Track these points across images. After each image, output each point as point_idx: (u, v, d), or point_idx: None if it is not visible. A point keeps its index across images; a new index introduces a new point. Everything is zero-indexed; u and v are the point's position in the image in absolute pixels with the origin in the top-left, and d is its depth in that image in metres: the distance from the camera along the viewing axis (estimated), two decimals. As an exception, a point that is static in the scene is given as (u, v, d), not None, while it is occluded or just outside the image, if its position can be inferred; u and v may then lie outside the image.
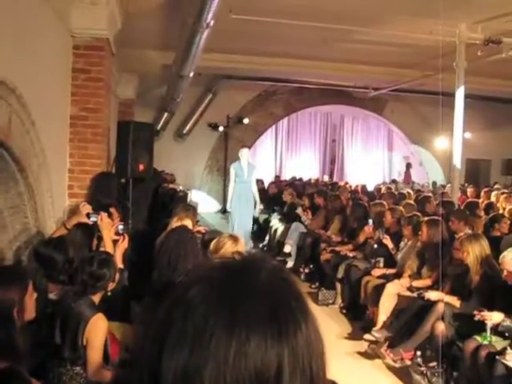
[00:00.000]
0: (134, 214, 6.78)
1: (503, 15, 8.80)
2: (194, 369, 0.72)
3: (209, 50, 10.28)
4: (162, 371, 0.73)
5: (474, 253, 5.15)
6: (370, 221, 7.76)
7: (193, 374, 0.71)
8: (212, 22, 7.48)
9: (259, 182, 16.34)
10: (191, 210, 5.64)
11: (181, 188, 12.22)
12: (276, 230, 10.80)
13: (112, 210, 5.03)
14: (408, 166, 19.27)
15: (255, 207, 10.20)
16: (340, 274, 7.46)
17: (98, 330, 3.19)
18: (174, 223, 4.98)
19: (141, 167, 7.06)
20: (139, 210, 7.22)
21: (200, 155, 17.80)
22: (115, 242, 4.42)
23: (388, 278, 6.36)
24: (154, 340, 0.77)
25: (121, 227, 4.56)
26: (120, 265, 4.24)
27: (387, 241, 6.95)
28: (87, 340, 3.14)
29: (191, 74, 10.93)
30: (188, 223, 4.82)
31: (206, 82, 16.13)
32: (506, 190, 13.11)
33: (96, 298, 3.45)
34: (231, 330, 0.72)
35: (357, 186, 14.99)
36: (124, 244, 4.41)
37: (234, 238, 4.30)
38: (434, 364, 5.08)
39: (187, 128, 17.22)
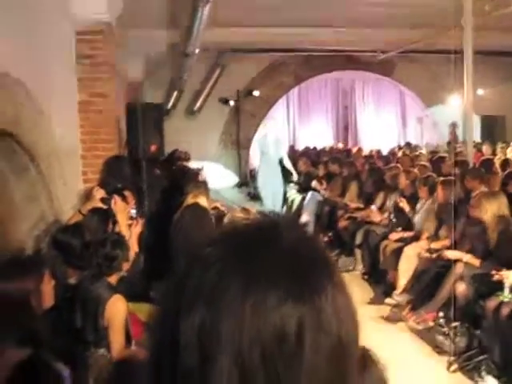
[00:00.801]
0: (149, 195, 6.81)
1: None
2: (210, 325, 0.71)
3: (214, 24, 10.22)
4: (180, 328, 0.72)
5: (491, 210, 5.12)
6: (373, 206, 7.76)
7: (209, 329, 0.71)
8: (213, -4, 7.43)
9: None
10: (203, 186, 5.64)
11: (196, 165, 12.20)
12: (293, 201, 10.80)
13: (127, 193, 5.07)
14: (453, 125, 18.64)
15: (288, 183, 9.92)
16: (358, 240, 7.50)
17: (117, 311, 3.25)
18: (190, 200, 5.01)
19: (153, 148, 7.09)
20: (154, 192, 7.24)
21: (213, 131, 17.77)
22: (129, 226, 4.47)
23: (406, 241, 6.37)
24: (172, 298, 0.77)
25: (133, 211, 4.60)
26: (136, 249, 4.29)
27: (404, 203, 6.93)
28: (108, 321, 3.20)
29: (197, 51, 10.88)
30: (202, 200, 4.85)
31: (214, 57, 16.04)
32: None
33: (112, 280, 3.51)
34: (247, 285, 0.71)
35: (371, 151, 14.88)
36: (138, 228, 4.45)
37: (247, 211, 4.34)
38: (456, 324, 5.09)
39: (198, 105, 17.16)
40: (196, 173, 7.91)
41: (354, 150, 15.17)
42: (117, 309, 3.27)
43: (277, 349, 0.69)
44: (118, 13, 7.03)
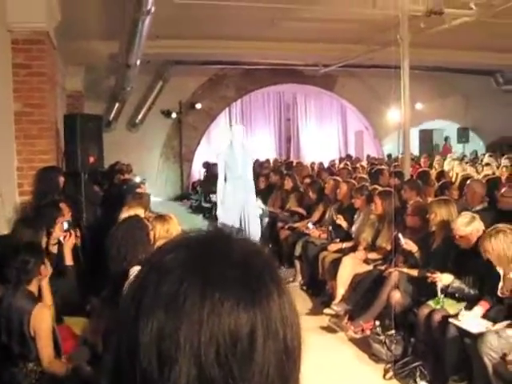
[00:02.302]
0: (87, 208, 6.71)
1: (443, -14, 8.92)
2: (169, 330, 0.74)
3: (155, 36, 10.18)
4: (139, 334, 0.75)
5: (441, 216, 5.27)
6: (310, 224, 7.87)
7: (168, 334, 0.74)
8: (153, 9, 7.41)
9: (215, 165, 16.34)
10: (142, 198, 5.62)
11: (137, 178, 12.06)
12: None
13: (62, 205, 4.98)
14: (446, 139, 18.78)
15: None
16: (298, 251, 7.56)
17: (42, 319, 3.20)
18: (124, 213, 4.96)
19: (91, 160, 6.97)
20: (92, 204, 7.14)
21: (155, 143, 17.66)
22: (64, 238, 4.38)
23: (344, 252, 6.47)
24: (131, 305, 0.79)
25: (66, 224, 4.51)
26: (69, 262, 4.22)
27: (340, 220, 7.10)
28: (34, 330, 3.14)
29: (138, 63, 10.81)
30: (139, 212, 4.80)
31: (156, 69, 15.96)
32: (454, 157, 13.43)
33: (33, 287, 3.46)
34: (204, 293, 0.74)
35: (312, 164, 15.05)
36: (71, 240, 4.38)
37: (163, 219, 4.35)
38: (392, 332, 5.19)
39: (140, 117, 17.04)
40: (136, 185, 7.83)
41: (296, 161, 15.32)
42: (42, 317, 3.22)
43: (232, 351, 0.73)
44: (56, 22, 6.94)
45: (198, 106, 17.70)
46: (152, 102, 16.92)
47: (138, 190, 6.62)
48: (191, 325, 0.73)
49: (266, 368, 0.75)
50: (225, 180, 7.46)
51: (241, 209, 7.25)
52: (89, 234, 5.88)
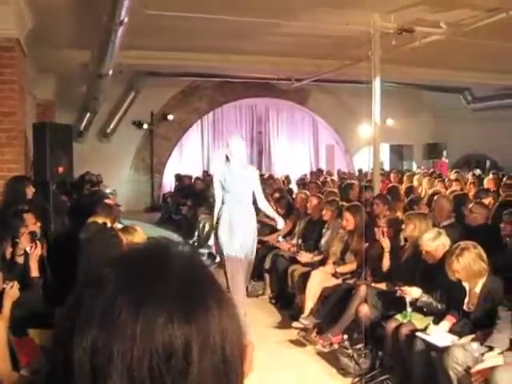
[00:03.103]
0: (55, 217, 6.62)
1: (414, 5, 9.06)
2: (102, 345, 0.73)
3: (128, 47, 10.13)
4: (73, 349, 0.74)
5: (419, 229, 5.31)
6: (280, 238, 7.89)
7: (102, 349, 0.73)
8: (126, 19, 7.38)
9: (186, 177, 16.31)
10: (110, 209, 5.58)
11: (107, 189, 11.94)
12: (204, 225, 10.77)
13: (29, 215, 4.90)
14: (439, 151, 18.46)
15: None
16: (267, 264, 7.55)
17: None
18: (96, 223, 4.92)
19: (60, 169, 6.89)
20: (60, 214, 7.04)
21: (126, 154, 17.56)
22: (30, 248, 4.31)
23: (313, 266, 6.49)
24: (66, 320, 0.78)
25: (32, 235, 4.44)
26: (35, 273, 4.15)
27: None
28: None
29: (110, 73, 10.75)
30: (107, 221, 4.77)
31: (128, 80, 15.91)
32: (424, 171, 13.59)
33: None
34: (138, 308, 0.74)
35: (282, 177, 15.09)
36: (37, 251, 4.31)
37: (128, 231, 4.32)
38: (360, 346, 5.21)
39: (111, 127, 16.95)
40: (105, 196, 7.75)
41: (266, 175, 15.38)
42: None
43: (165, 366, 0.73)
44: (26, 30, 6.88)
45: (170, 117, 17.67)
46: (123, 112, 16.85)
47: (107, 201, 6.55)
48: (124, 340, 0.73)
49: (202, 381, 0.75)
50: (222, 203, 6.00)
51: (240, 239, 5.77)
52: (56, 245, 5.80)
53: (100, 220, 4.80)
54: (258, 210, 6.26)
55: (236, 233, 5.76)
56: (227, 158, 5.98)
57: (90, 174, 14.76)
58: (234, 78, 16.13)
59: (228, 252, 5.75)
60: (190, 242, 11.19)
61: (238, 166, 5.89)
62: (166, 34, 10.47)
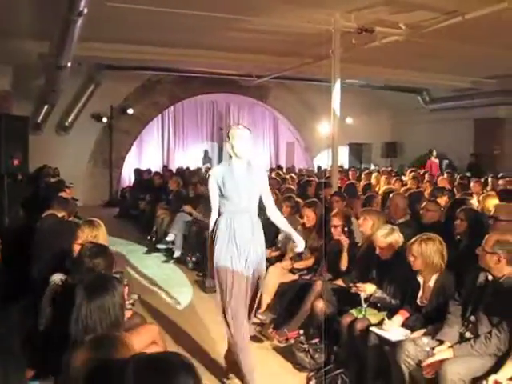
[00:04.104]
0: (9, 210, 6.51)
1: (375, 5, 9.18)
2: None
3: (87, 38, 10.01)
4: None
5: (373, 226, 5.39)
6: None
7: None
8: (85, 10, 7.29)
9: (145, 172, 16.18)
10: (67, 203, 5.51)
11: (67, 183, 11.74)
12: (163, 220, 10.72)
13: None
14: (431, 153, 17.55)
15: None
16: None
17: None
18: (51, 216, 4.85)
19: (15, 162, 6.78)
20: (16, 206, 6.93)
21: (84, 147, 17.30)
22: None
23: (271, 261, 6.52)
24: None
25: None
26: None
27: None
28: None
29: (69, 64, 10.60)
30: (63, 215, 4.71)
31: (88, 72, 15.70)
32: (383, 169, 13.77)
33: None
34: None
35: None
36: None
37: (93, 224, 4.29)
38: (316, 341, 5.26)
39: (70, 120, 16.70)
40: (61, 189, 7.64)
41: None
42: None
43: None
44: (-19, 19, 6.73)
45: (130, 111, 17.51)
46: (83, 105, 16.63)
47: (64, 195, 6.46)
48: None
49: None
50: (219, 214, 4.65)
51: (244, 263, 4.52)
52: (10, 238, 5.69)
53: (56, 213, 4.73)
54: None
55: (239, 255, 4.50)
56: (229, 157, 4.65)
57: (47, 167, 14.53)
58: (195, 73, 16.08)
59: (229, 281, 4.49)
60: (148, 237, 11.14)
61: (243, 166, 4.58)
62: (127, 26, 10.37)
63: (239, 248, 4.52)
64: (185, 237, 9.61)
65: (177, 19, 9.63)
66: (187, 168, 17.21)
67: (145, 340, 3.88)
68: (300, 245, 4.88)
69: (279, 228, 5.09)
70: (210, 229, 4.69)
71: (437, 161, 16.93)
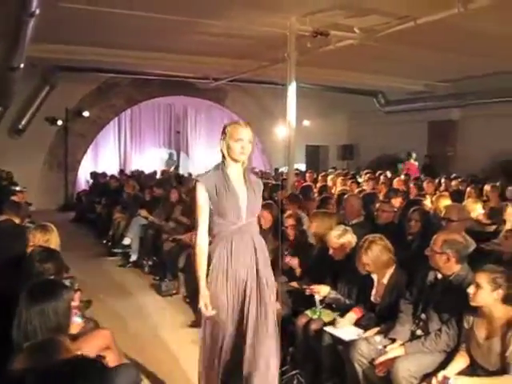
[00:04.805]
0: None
1: (330, 9, 9.28)
2: None
3: (41, 39, 9.85)
4: None
5: (324, 227, 5.43)
6: (194, 237, 7.87)
7: None
8: (37, 11, 7.16)
9: (101, 176, 15.99)
10: (19, 206, 5.41)
11: (18, 187, 11.52)
12: (119, 224, 10.62)
13: None
14: (409, 155, 16.92)
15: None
16: (181, 263, 7.53)
17: None
18: (3, 221, 4.77)
19: (-35, 165, 6.62)
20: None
21: (38, 151, 16.97)
22: None
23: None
24: None
25: None
26: None
27: None
28: None
29: (22, 66, 10.40)
30: (15, 219, 4.63)
31: (42, 74, 15.43)
32: (340, 173, 13.93)
33: None
34: None
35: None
36: None
37: (45, 228, 4.24)
38: (271, 342, 5.28)
39: (23, 123, 16.37)
40: (13, 193, 7.50)
41: (186, 174, 15.35)
42: None
43: None
44: None
45: (86, 114, 17.28)
46: (37, 108, 16.33)
47: (16, 199, 6.34)
48: None
49: None
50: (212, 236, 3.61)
51: (240, 289, 3.57)
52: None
53: (11, 218, 4.65)
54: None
55: (241, 293, 3.56)
56: (224, 162, 3.66)
57: (0, 170, 14.25)
58: (151, 75, 15.97)
59: (227, 331, 3.56)
60: (104, 241, 11.02)
61: (240, 171, 3.66)
62: (82, 28, 10.24)
63: (239, 283, 3.54)
64: (141, 240, 9.53)
65: (133, 21, 9.56)
66: (142, 171, 17.03)
67: (97, 345, 3.84)
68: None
69: None
70: (199, 251, 3.55)
71: (416, 163, 16.59)
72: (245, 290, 3.55)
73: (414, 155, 16.52)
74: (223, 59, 13.34)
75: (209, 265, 3.55)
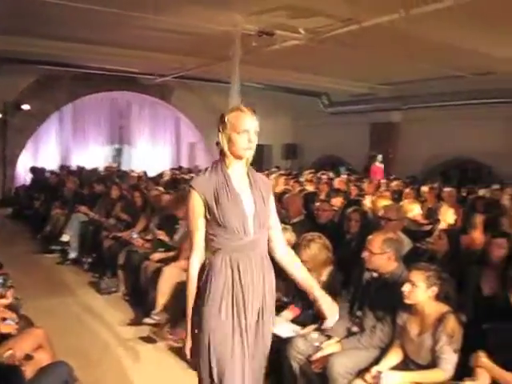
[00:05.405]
0: None
1: (276, 9, 9.33)
2: None
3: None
4: None
5: None
6: (134, 233, 7.82)
7: None
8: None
9: (41, 170, 15.60)
10: None
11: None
12: (58, 220, 10.39)
13: None
14: (374, 158, 16.35)
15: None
16: (121, 260, 7.43)
17: None
18: None
19: None
20: None
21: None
22: None
23: (166, 262, 6.48)
24: None
25: None
26: None
27: (162, 236, 7.15)
28: None
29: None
30: None
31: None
32: (283, 172, 14.03)
33: None
34: None
35: (140, 173, 14.92)
36: None
37: None
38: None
39: (-42, 117, 15.81)
40: None
41: (128, 170, 15.14)
42: None
43: None
44: None
45: (26, 107, 16.79)
46: (-27, 101, 15.79)
47: None
48: None
49: None
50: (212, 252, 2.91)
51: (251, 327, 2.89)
52: None
53: None
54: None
55: (248, 322, 2.84)
56: (222, 154, 2.96)
57: None
58: (95, 69, 15.66)
59: (227, 360, 2.79)
60: (39, 236, 10.77)
61: (243, 172, 2.97)
62: (22, 18, 9.97)
63: (248, 309, 2.83)
64: (81, 237, 9.34)
65: (76, 13, 9.36)
66: (83, 167, 16.67)
67: (30, 344, 3.77)
68: (329, 320, 3.04)
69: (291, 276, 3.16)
70: (192, 277, 2.89)
71: (382, 166, 15.97)
72: (254, 320, 2.87)
73: (379, 157, 16.11)
74: (168, 55, 13.24)
75: (205, 290, 2.82)
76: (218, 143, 2.95)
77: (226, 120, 2.90)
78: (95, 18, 9.65)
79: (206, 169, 2.97)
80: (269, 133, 19.94)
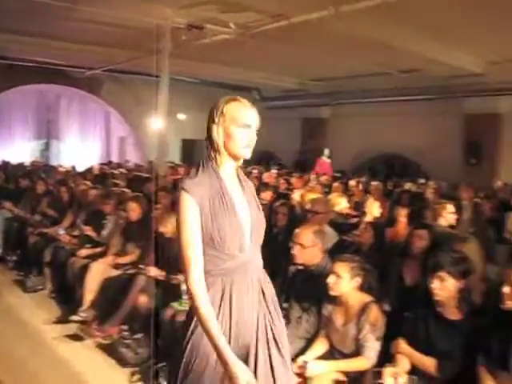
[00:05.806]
0: None
1: (206, 3, 9.31)
2: None
3: None
4: None
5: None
6: (60, 230, 7.67)
7: None
8: None
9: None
10: None
11: None
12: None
13: None
14: (323, 152, 15.51)
15: None
16: (47, 257, 7.25)
17: None
18: None
19: None
20: None
21: None
22: None
23: (94, 258, 6.38)
24: None
25: None
26: None
27: (89, 231, 7.05)
28: None
29: None
30: None
31: None
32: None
33: None
34: None
35: (69, 168, 14.58)
36: None
37: None
38: (140, 335, 5.25)
39: None
40: None
41: (55, 165, 14.77)
42: None
43: None
44: None
45: None
46: None
47: None
48: None
49: None
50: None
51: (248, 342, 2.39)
52: None
53: None
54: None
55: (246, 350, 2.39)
56: (214, 151, 2.57)
57: None
58: (20, 61, 15.15)
59: None
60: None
61: (234, 174, 2.58)
62: None
63: (245, 337, 2.38)
64: (5, 234, 9.04)
65: (3, 2, 9.04)
66: (8, 162, 16.09)
67: None
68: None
69: None
70: (205, 314, 2.24)
71: (329, 160, 15.23)
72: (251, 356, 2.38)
73: (326, 152, 15.39)
74: (98, 48, 12.98)
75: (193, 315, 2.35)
76: (207, 138, 2.57)
77: (223, 110, 2.50)
78: (22, 7, 9.37)
79: (197, 169, 2.50)
80: (201, 128, 19.68)
